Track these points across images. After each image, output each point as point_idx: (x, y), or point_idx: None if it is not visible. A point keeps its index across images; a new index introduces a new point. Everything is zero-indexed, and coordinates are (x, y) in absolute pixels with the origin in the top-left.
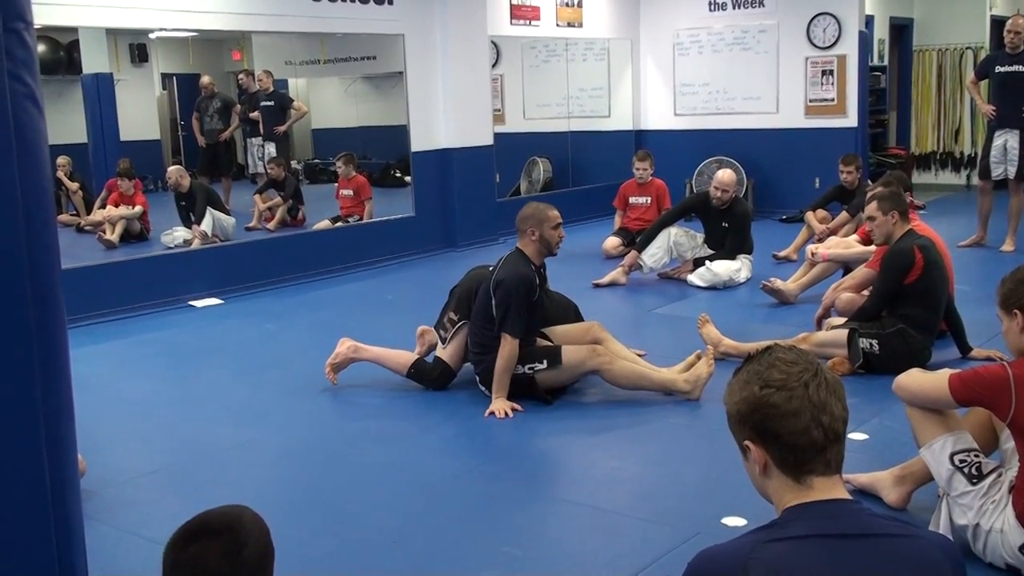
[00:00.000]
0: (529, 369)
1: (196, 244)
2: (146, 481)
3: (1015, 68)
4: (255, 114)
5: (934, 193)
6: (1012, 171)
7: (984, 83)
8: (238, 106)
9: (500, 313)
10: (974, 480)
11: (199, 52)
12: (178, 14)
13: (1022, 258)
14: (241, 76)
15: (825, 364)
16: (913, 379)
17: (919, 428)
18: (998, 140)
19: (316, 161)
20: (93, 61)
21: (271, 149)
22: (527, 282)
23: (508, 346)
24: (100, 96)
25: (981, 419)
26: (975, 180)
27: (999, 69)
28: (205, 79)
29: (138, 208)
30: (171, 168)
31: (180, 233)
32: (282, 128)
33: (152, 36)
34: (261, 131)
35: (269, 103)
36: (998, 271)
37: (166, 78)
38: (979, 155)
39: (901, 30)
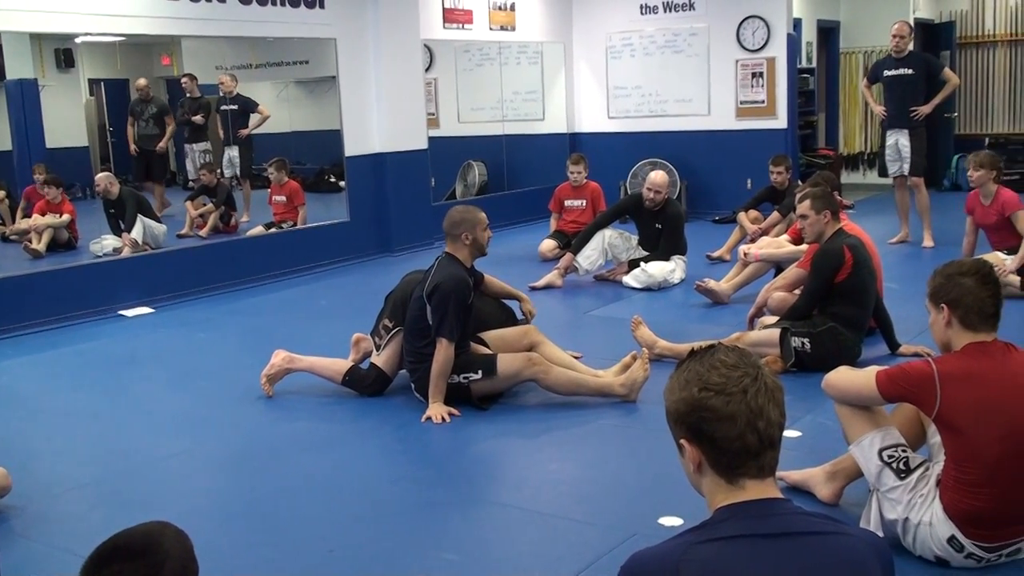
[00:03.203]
0: (464, 379)
1: (126, 252)
2: (76, 495)
3: (901, 71)
4: (197, 118)
5: (862, 193)
6: (906, 168)
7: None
8: (171, 114)
9: (437, 317)
10: (902, 475)
11: (127, 57)
12: (105, 18)
13: (943, 251)
14: (184, 80)
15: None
16: (841, 377)
17: (848, 425)
18: (890, 139)
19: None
20: (17, 67)
21: (233, 153)
22: (463, 285)
23: (444, 351)
24: (24, 102)
25: (909, 415)
26: None
27: (887, 73)
28: (141, 81)
29: (65, 216)
30: (99, 175)
31: (109, 241)
32: (245, 132)
33: (78, 41)
34: (221, 135)
35: (232, 107)
36: (923, 267)
37: (94, 83)
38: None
39: (828, 33)
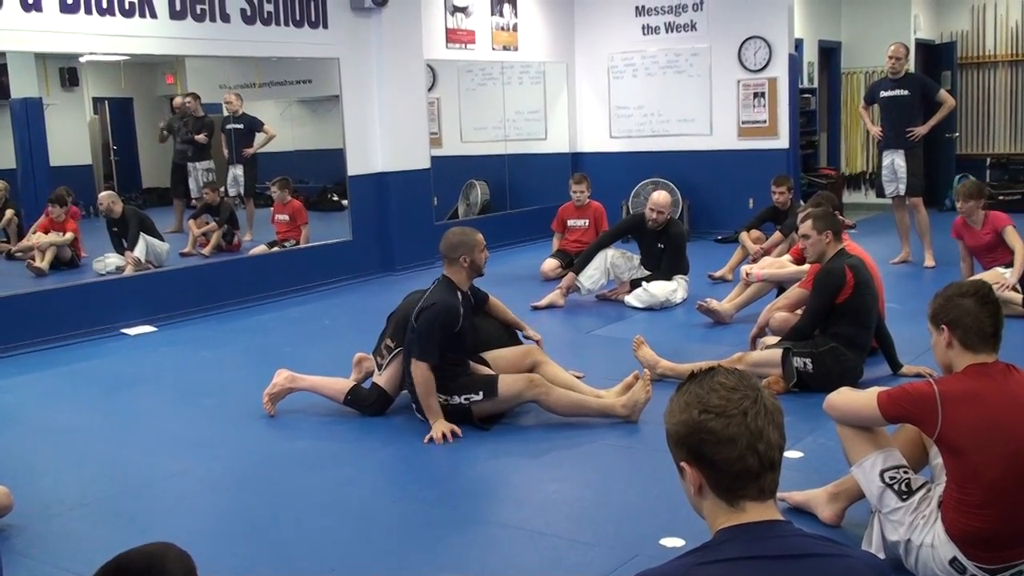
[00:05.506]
0: (465, 400)
1: (129, 270)
2: (78, 514)
3: (896, 92)
4: (200, 137)
5: (864, 212)
6: (903, 188)
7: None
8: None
9: (414, 337)
10: (904, 496)
11: (131, 76)
12: (109, 38)
13: (944, 271)
14: (188, 100)
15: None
16: (843, 397)
17: (850, 446)
18: (886, 160)
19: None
20: (21, 85)
21: (238, 172)
22: (450, 312)
23: (418, 370)
24: (29, 121)
25: (910, 436)
26: None
27: (883, 94)
28: (178, 100)
29: (68, 235)
30: (103, 194)
31: (112, 260)
32: (250, 151)
33: (83, 60)
34: (226, 154)
35: (238, 126)
36: (925, 287)
37: (98, 102)
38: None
39: (829, 53)
